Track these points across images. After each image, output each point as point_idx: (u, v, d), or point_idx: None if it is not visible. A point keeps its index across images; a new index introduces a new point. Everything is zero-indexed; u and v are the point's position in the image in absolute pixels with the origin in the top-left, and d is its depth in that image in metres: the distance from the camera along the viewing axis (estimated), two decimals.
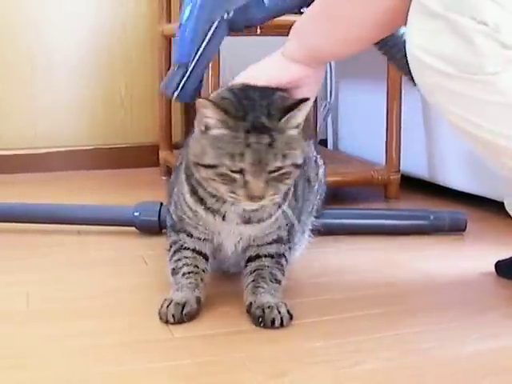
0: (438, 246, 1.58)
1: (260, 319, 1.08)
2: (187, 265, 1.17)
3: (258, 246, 1.18)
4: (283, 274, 1.18)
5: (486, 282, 1.32)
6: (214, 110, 1.01)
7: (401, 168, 2.06)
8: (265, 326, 1.08)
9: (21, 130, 2.58)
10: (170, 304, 1.10)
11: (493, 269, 1.35)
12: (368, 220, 1.67)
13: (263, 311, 1.09)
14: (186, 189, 1.14)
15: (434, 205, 1.87)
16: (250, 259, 1.18)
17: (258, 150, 1.00)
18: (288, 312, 1.09)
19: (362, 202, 2.05)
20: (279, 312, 1.08)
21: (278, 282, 1.16)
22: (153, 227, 1.62)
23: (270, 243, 1.18)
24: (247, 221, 1.13)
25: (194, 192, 1.12)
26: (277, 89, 1.09)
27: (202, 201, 1.12)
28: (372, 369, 0.95)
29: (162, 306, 1.11)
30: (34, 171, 2.52)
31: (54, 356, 0.99)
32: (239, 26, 1.30)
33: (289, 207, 1.15)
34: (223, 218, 1.12)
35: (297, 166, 1.05)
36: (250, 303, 1.11)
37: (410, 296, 1.26)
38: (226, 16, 1.26)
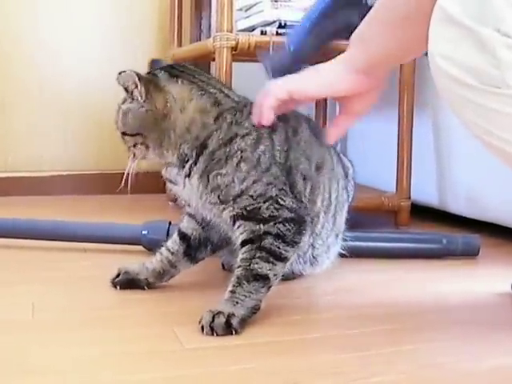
0: (450, 269, 1.55)
1: (199, 322, 1.07)
2: (163, 246, 1.32)
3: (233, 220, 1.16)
4: (271, 260, 1.11)
5: (501, 302, 1.29)
6: None
7: (411, 196, 2.05)
8: (202, 331, 1.06)
9: (27, 154, 2.57)
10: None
11: (507, 290, 1.32)
12: (380, 243, 1.64)
13: (202, 316, 1.07)
14: None
15: (444, 232, 1.84)
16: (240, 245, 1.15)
17: None
18: (226, 322, 1.05)
19: (372, 229, 2.02)
20: (212, 320, 1.05)
21: (260, 277, 1.10)
22: (161, 246, 1.59)
23: (240, 218, 1.15)
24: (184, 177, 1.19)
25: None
26: None
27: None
28: (386, 381, 0.91)
29: None
30: (40, 194, 2.51)
31: (61, 363, 0.95)
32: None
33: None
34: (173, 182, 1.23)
35: (122, 133, 1.23)
36: None
37: (423, 314, 1.22)
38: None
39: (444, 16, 0.89)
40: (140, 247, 1.60)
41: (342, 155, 1.46)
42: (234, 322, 1.06)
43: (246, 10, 1.96)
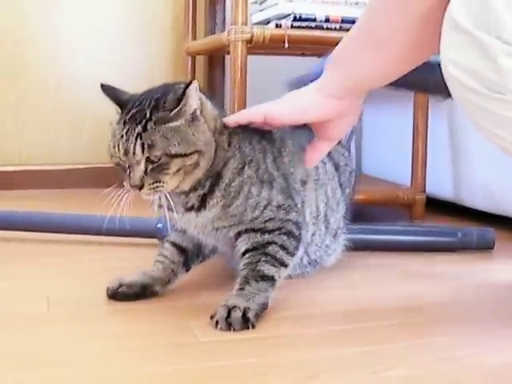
0: (465, 262, 1.55)
1: (212, 318, 1.06)
2: (159, 255, 1.25)
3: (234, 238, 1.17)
4: (276, 265, 1.13)
5: None
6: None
7: (426, 189, 2.04)
8: (216, 326, 1.05)
9: (42, 147, 2.58)
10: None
11: None
12: (395, 236, 1.63)
13: (216, 311, 1.07)
14: None
15: (459, 226, 1.83)
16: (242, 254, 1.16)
17: (127, 141, 1.05)
18: (243, 316, 1.05)
19: (387, 222, 2.02)
20: (228, 315, 1.05)
21: (267, 278, 1.11)
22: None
23: (244, 232, 1.16)
24: (188, 208, 1.14)
25: None
26: None
27: None
28: (404, 375, 0.91)
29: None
30: (55, 187, 2.52)
31: (76, 356, 0.96)
32: None
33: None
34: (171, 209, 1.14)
35: (171, 155, 1.05)
36: None
37: (438, 307, 1.22)
38: None
39: (452, 23, 0.90)
40: (155, 240, 1.60)
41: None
42: (251, 315, 1.06)
43: (261, 3, 1.95)
